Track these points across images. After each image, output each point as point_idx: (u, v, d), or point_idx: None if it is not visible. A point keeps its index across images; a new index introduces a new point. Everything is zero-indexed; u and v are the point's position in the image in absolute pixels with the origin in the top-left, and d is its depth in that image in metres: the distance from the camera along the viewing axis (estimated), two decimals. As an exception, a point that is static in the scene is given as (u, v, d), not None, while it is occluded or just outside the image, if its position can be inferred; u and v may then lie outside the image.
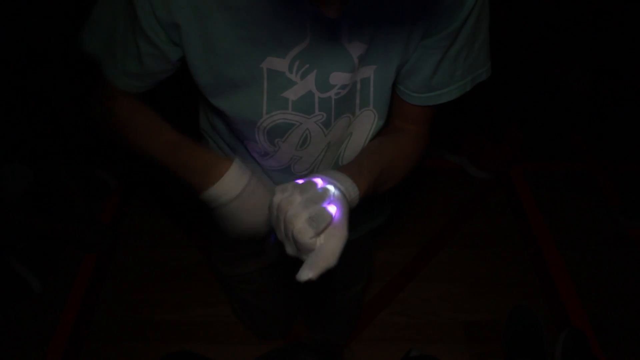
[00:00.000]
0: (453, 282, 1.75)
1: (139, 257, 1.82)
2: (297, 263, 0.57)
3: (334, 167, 0.83)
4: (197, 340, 1.59)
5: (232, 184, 0.69)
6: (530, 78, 2.05)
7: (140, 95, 0.77)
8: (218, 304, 1.67)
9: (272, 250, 0.74)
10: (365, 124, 0.79)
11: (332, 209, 0.56)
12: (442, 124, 0.84)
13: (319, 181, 0.59)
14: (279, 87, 0.69)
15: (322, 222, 0.54)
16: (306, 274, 0.52)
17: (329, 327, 1.44)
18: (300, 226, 0.54)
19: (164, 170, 0.74)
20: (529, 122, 2.08)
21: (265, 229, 0.73)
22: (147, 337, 1.60)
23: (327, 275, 0.67)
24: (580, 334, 1.48)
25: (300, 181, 0.59)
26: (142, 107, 0.77)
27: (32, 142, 1.80)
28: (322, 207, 0.55)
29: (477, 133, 2.08)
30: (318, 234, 0.54)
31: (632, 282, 1.73)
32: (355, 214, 0.90)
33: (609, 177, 2.06)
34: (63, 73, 1.76)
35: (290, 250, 0.57)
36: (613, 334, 1.57)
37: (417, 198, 1.91)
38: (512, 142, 2.05)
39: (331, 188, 0.59)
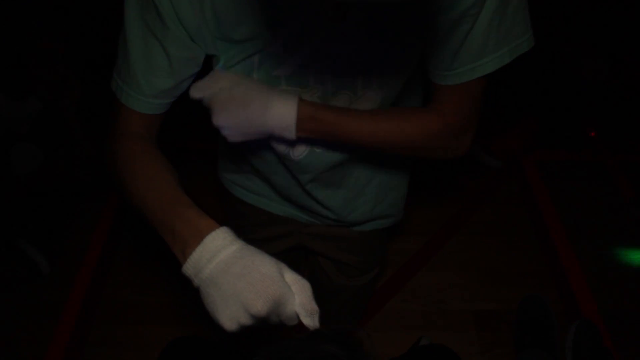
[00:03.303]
0: (464, 270, 1.74)
1: (146, 239, 1.80)
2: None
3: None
4: (206, 324, 1.58)
5: (205, 257, 0.56)
6: (546, 67, 2.02)
7: (159, 117, 0.74)
8: (227, 289, 1.65)
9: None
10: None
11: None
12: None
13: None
14: (271, 66, 0.69)
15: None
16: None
17: (339, 315, 1.43)
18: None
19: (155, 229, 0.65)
20: (542, 111, 2.06)
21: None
22: (154, 320, 1.59)
23: (342, 263, 0.66)
24: (591, 325, 1.47)
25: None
26: (151, 149, 0.70)
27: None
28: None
29: (489, 121, 2.05)
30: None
31: (644, 274, 1.72)
32: (366, 214, 0.95)
33: (623, 168, 2.04)
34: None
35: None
36: (624, 326, 1.57)
37: (427, 185, 1.89)
38: (525, 130, 2.02)
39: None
